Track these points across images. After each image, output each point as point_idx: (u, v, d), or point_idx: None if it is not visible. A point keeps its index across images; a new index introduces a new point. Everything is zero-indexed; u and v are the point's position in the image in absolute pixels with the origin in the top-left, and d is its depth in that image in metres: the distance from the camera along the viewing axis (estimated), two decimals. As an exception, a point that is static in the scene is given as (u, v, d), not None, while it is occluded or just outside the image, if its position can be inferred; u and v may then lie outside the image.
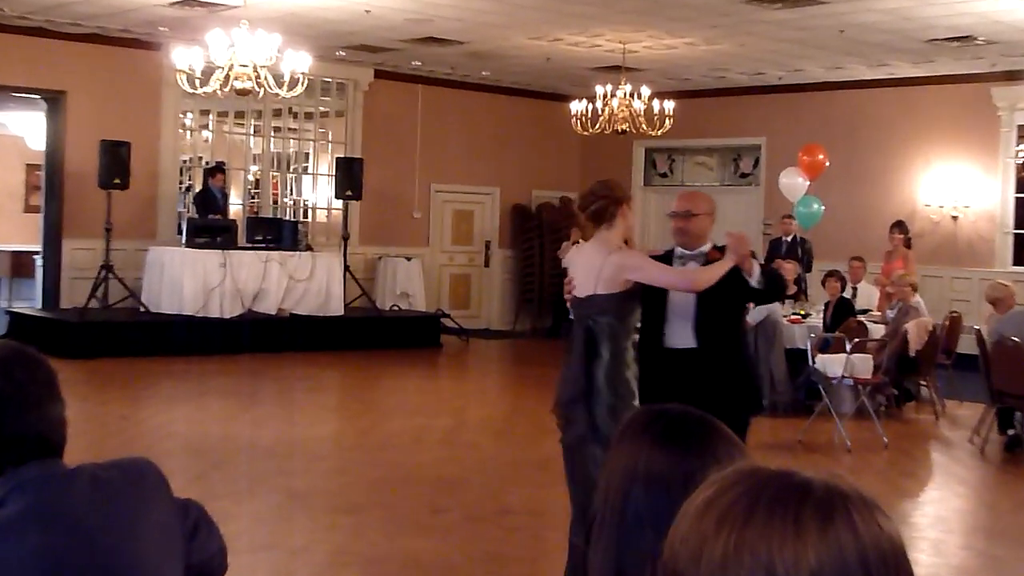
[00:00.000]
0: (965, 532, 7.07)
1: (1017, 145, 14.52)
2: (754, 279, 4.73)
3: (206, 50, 10.59)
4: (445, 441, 8.95)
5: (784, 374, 10.27)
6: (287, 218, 15.97)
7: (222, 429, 9.21)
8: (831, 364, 9.46)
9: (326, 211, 16.65)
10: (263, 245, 14.28)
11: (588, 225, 4.87)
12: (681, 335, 4.83)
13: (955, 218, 14.73)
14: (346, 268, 14.84)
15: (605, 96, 13.61)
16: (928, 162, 14.93)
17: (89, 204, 13.63)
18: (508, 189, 17.73)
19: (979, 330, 9.38)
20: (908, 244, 12.86)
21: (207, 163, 15.77)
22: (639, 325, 4.72)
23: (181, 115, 15.11)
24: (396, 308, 15.70)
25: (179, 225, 14.53)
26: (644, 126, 13.65)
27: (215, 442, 8.56)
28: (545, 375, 12.87)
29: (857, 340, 9.49)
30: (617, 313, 4.66)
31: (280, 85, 10.81)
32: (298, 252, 14.32)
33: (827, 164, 13.30)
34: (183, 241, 13.79)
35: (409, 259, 16.17)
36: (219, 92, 10.81)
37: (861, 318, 10.70)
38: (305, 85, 11.04)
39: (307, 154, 17.51)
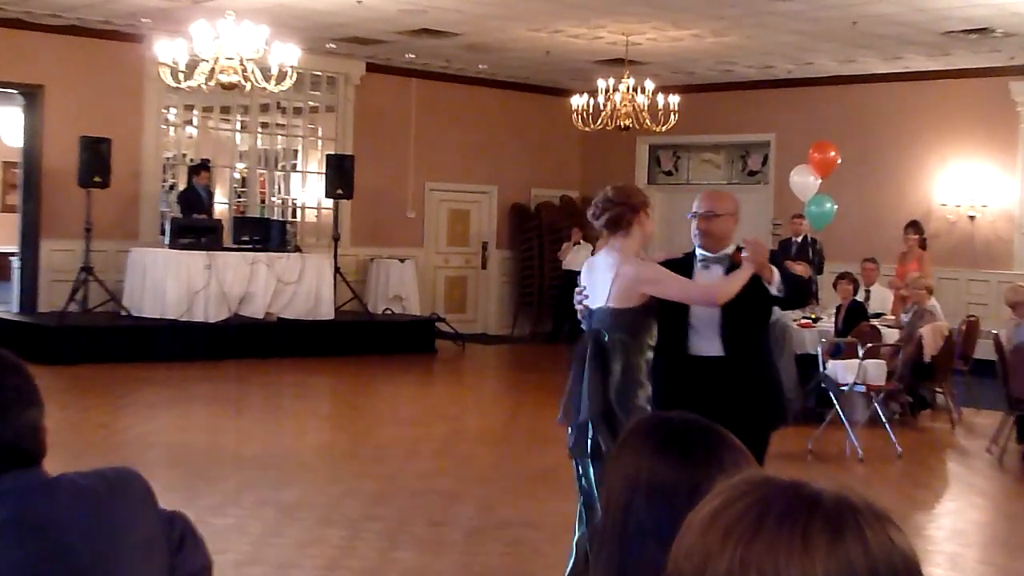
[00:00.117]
0: (983, 545, 7.08)
1: (1037, 142, 14.54)
2: (774, 287, 4.68)
3: (190, 42, 10.60)
4: (440, 451, 8.95)
5: (794, 380, 10.27)
6: (275, 218, 15.98)
7: (207, 439, 9.21)
8: (843, 370, 9.47)
9: (316, 211, 16.65)
10: (250, 246, 14.28)
11: (602, 233, 4.80)
12: (707, 343, 4.79)
13: (972, 218, 14.75)
14: (336, 270, 14.83)
15: (607, 90, 13.62)
16: (944, 160, 14.94)
17: (68, 203, 13.63)
18: (506, 188, 17.74)
19: (997, 335, 9.40)
20: (923, 245, 12.87)
21: (191, 160, 15.77)
22: (653, 343, 4.69)
23: (164, 110, 15.11)
24: (389, 312, 15.70)
25: (162, 225, 14.52)
26: (648, 122, 13.66)
27: (199, 452, 8.55)
28: (545, 382, 12.88)
29: (870, 345, 9.51)
30: (631, 330, 4.63)
31: (268, 79, 10.82)
32: (286, 253, 14.32)
33: (839, 162, 13.31)
34: (166, 242, 13.79)
35: (402, 261, 16.17)
36: (204, 86, 10.82)
37: (874, 322, 10.71)
38: (294, 79, 11.05)
39: (296, 151, 17.52)
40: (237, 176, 16.99)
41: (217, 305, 13.55)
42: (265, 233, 14.65)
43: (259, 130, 16.24)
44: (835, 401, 9.46)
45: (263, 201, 16.56)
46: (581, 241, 16.13)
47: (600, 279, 4.75)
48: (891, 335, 10.50)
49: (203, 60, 10.66)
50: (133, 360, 12.58)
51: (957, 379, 11.06)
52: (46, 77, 13.92)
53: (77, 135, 13.33)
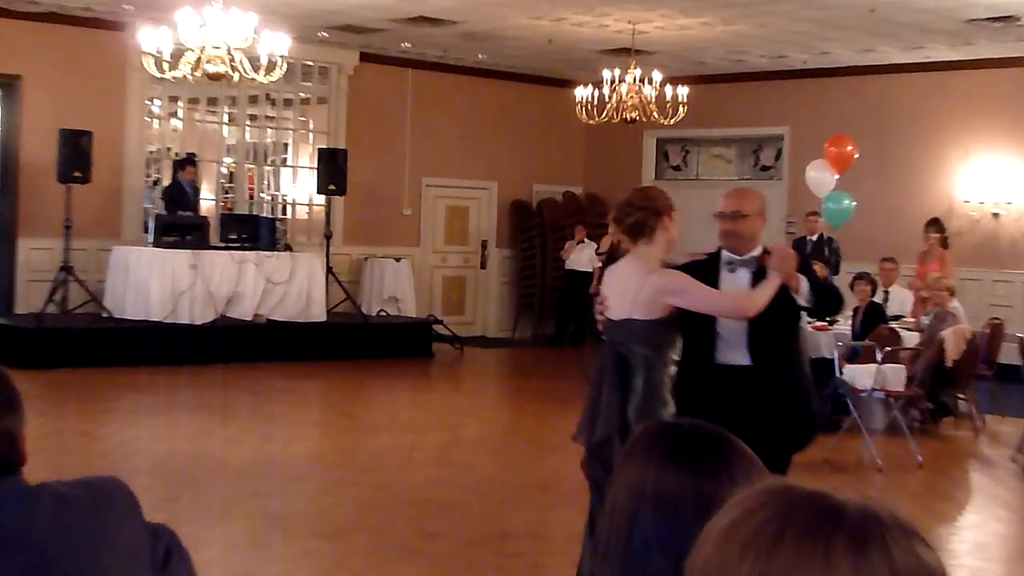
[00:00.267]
0: (1008, 560, 7.07)
1: (1064, 136, 14.53)
2: (802, 297, 4.66)
3: (175, 31, 10.58)
4: (437, 460, 8.95)
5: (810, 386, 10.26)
6: (264, 215, 15.97)
7: (192, 446, 9.21)
8: (860, 375, 9.47)
9: (307, 207, 16.66)
10: (238, 244, 14.28)
11: (625, 240, 4.76)
12: (734, 351, 4.78)
13: (996, 215, 14.74)
14: (329, 270, 14.84)
15: (613, 81, 13.62)
16: (967, 154, 14.94)
17: (47, 199, 13.63)
18: (507, 183, 17.74)
19: (1022, 338, 9.38)
20: (945, 244, 12.87)
21: (176, 155, 15.77)
22: (677, 358, 4.65)
23: (148, 102, 15.11)
24: (384, 314, 15.70)
25: (146, 223, 14.54)
26: (655, 114, 13.66)
27: (185, 461, 8.55)
28: (546, 387, 12.89)
29: (889, 349, 9.49)
30: (654, 343, 4.60)
31: (256, 69, 10.80)
32: (276, 252, 14.33)
33: (856, 156, 13.31)
34: (150, 240, 13.79)
35: (398, 260, 16.17)
36: (189, 77, 10.81)
37: (893, 325, 10.71)
38: (284, 69, 11.03)
39: (286, 145, 17.50)
40: (224, 171, 16.98)
41: (203, 306, 13.55)
42: (254, 231, 14.64)
43: (247, 123, 16.24)
44: (852, 408, 9.45)
45: (252, 197, 16.56)
46: (585, 239, 16.13)
47: (623, 288, 4.70)
48: (911, 338, 10.50)
49: (189, 49, 10.64)
50: (115, 364, 12.57)
51: (980, 385, 11.05)
52: (24, 67, 13.91)
53: (56, 128, 13.32)
